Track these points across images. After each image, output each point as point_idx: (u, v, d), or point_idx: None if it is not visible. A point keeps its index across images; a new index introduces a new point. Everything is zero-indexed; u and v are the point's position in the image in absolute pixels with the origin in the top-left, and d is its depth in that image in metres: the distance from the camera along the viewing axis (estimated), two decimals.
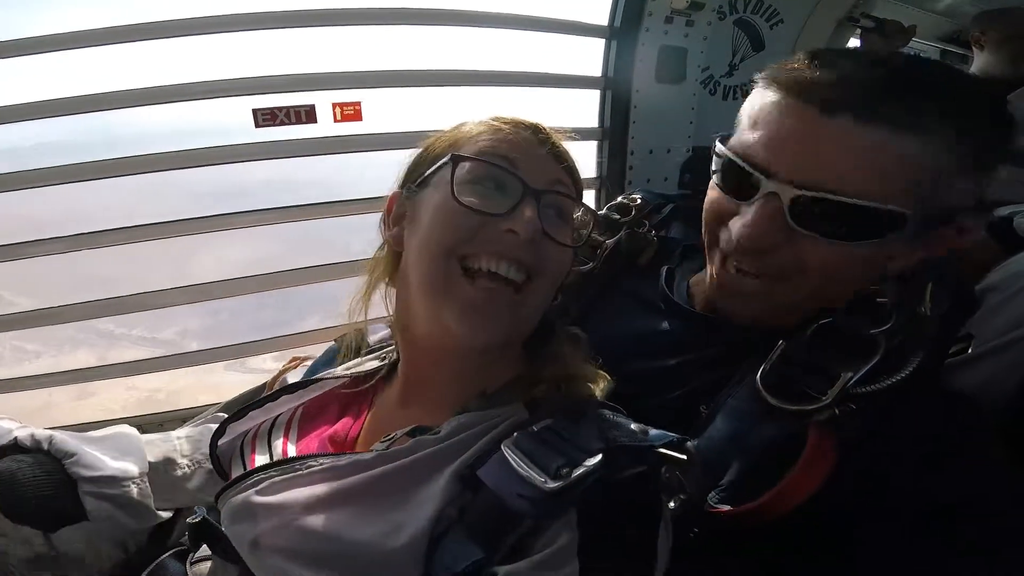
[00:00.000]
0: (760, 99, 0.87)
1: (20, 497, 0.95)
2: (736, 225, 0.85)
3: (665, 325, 1.04)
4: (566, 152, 0.89)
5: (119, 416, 1.94)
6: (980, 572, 0.71)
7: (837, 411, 0.75)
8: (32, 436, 1.01)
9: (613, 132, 2.26)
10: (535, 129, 0.87)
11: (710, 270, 0.97)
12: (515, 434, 0.72)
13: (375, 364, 0.98)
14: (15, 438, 1.00)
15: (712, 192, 0.93)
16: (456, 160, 0.82)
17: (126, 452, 1.07)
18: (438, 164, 0.86)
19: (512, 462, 0.68)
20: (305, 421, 0.94)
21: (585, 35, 2.18)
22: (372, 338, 1.05)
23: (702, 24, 2.22)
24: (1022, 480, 0.78)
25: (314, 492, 0.73)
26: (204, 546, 0.88)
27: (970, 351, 1.19)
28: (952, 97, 0.80)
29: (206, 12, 1.70)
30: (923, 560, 0.72)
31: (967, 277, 1.78)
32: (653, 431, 0.72)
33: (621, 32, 2.16)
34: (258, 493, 0.76)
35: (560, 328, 0.92)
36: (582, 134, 2.09)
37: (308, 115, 1.66)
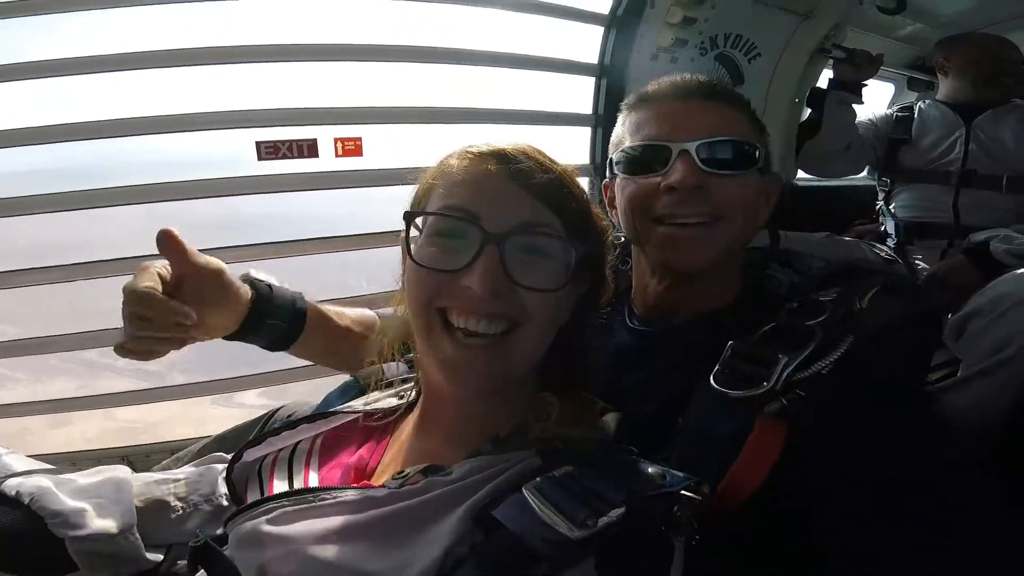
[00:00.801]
0: (634, 116, 1.12)
1: (9, 552, 0.95)
2: (668, 182, 1.02)
3: (628, 342, 1.13)
4: (548, 183, 0.81)
5: (96, 447, 1.93)
6: (936, 549, 0.73)
7: (784, 400, 0.77)
8: (17, 491, 0.99)
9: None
10: (505, 159, 0.81)
11: (654, 246, 1.08)
12: (537, 479, 0.70)
13: (393, 402, 0.97)
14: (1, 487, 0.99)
15: (629, 186, 1.09)
16: (408, 219, 0.82)
17: (116, 500, 1.04)
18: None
19: (535, 507, 0.67)
20: (327, 449, 0.93)
21: (576, 73, 2.27)
22: (388, 375, 1.03)
23: (685, 60, 2.32)
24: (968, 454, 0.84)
25: (325, 525, 0.73)
26: (202, 572, 0.85)
27: (959, 374, 1.24)
28: (733, 91, 1.16)
29: (212, 43, 1.72)
30: (884, 540, 0.73)
31: (939, 299, 1.86)
32: (671, 473, 0.71)
33: (610, 70, 2.25)
34: (268, 522, 0.75)
35: (573, 366, 0.91)
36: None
37: (310, 149, 1.69)
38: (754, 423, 0.77)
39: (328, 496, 0.76)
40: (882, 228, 2.64)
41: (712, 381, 0.85)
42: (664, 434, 0.87)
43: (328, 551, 0.70)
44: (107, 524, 1.01)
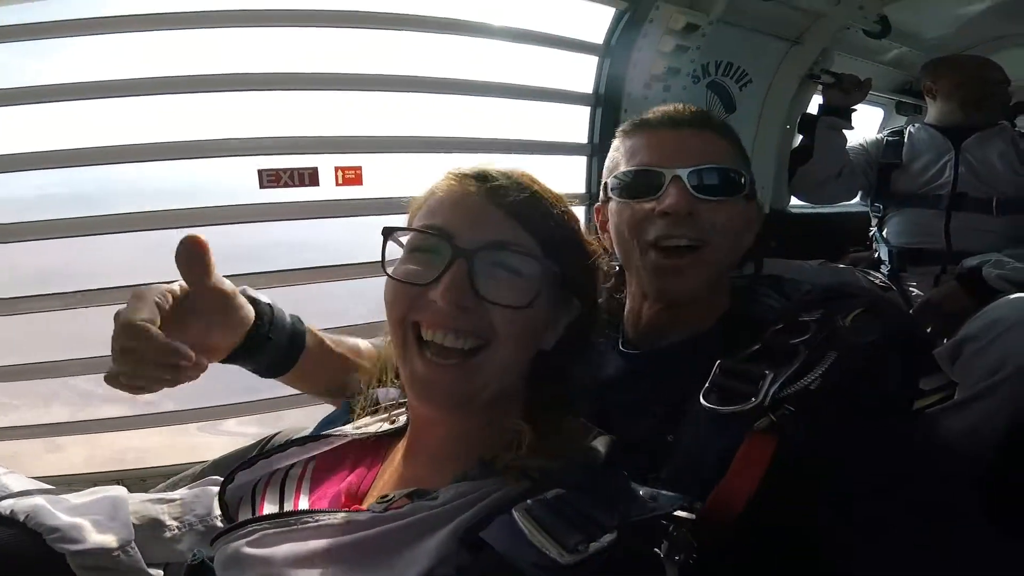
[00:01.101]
0: (629, 142, 1.17)
1: (9, 569, 0.95)
2: (661, 206, 1.07)
3: (620, 366, 1.16)
4: (524, 202, 0.82)
5: (92, 471, 1.92)
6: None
7: (773, 416, 0.79)
8: (11, 511, 1.00)
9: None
10: (485, 179, 0.83)
11: (645, 271, 1.12)
12: (528, 502, 0.69)
13: (385, 427, 0.97)
14: None
15: (624, 210, 1.13)
16: (386, 234, 0.84)
17: (112, 517, 1.05)
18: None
19: (525, 530, 0.66)
20: (319, 473, 0.93)
21: (571, 102, 2.31)
22: (382, 399, 1.03)
23: (678, 89, 2.36)
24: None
25: (305, 548, 0.73)
26: None
27: (955, 397, 1.26)
28: (721, 120, 1.21)
29: (213, 70, 1.75)
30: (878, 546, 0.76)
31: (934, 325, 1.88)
32: (662, 495, 0.72)
33: (605, 100, 2.30)
34: (248, 544, 0.76)
35: (559, 389, 0.90)
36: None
37: (311, 178, 1.71)
38: (742, 439, 0.79)
39: (310, 519, 0.76)
40: (875, 255, 2.65)
41: (702, 399, 0.88)
42: (654, 453, 0.89)
43: (305, 571, 0.71)
44: (106, 539, 1.02)
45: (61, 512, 1.02)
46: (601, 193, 1.21)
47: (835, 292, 1.04)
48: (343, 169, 1.74)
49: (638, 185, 1.12)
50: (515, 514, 0.67)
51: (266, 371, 1.07)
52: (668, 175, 1.08)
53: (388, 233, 0.84)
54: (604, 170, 1.23)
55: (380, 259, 0.83)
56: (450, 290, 0.76)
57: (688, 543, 0.68)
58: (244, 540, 0.76)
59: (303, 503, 0.88)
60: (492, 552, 0.65)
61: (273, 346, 1.02)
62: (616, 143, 1.21)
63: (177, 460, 1.82)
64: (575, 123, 2.35)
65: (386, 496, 0.77)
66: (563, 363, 0.90)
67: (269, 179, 1.70)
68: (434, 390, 0.81)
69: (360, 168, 1.75)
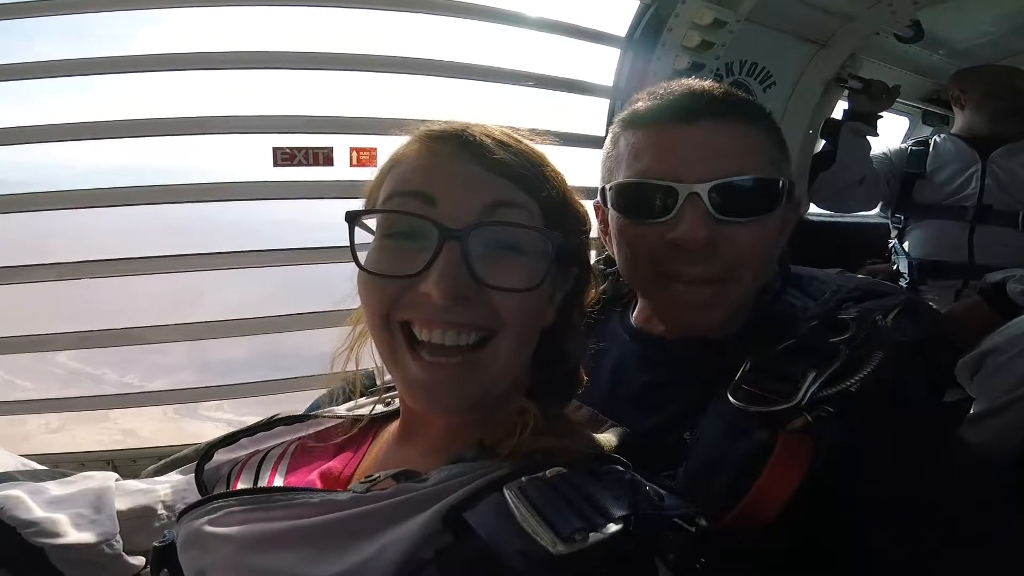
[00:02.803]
0: (626, 140, 0.96)
1: None
2: (673, 236, 0.89)
3: (631, 348, 1.07)
4: (516, 161, 0.72)
5: (82, 450, 1.91)
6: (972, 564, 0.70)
7: (809, 417, 0.74)
8: None
9: None
10: (461, 140, 0.71)
11: (659, 302, 1.00)
12: (523, 479, 0.61)
13: (380, 408, 0.91)
14: None
15: (631, 230, 0.95)
16: (351, 219, 0.72)
17: (97, 509, 1.03)
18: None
19: (515, 511, 0.57)
20: (301, 454, 0.87)
21: (590, 94, 2.28)
22: (386, 378, 0.96)
23: None
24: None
25: (271, 528, 0.66)
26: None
27: (972, 411, 1.24)
28: (750, 102, 0.98)
29: (232, 47, 1.75)
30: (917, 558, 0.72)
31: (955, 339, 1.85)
32: (668, 497, 0.63)
33: (625, 93, 2.26)
34: (210, 523, 0.69)
35: (563, 378, 0.83)
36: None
37: (326, 158, 1.69)
38: (775, 440, 0.74)
39: (283, 498, 0.68)
40: (894, 267, 2.60)
41: (730, 396, 0.81)
42: (666, 449, 0.84)
43: (269, 556, 0.64)
44: (85, 534, 1.00)
45: (41, 504, 1.00)
46: (599, 196, 1.04)
47: (866, 290, 0.98)
48: (358, 150, 1.72)
49: (645, 201, 0.92)
50: (507, 492, 0.59)
51: None
52: (683, 193, 0.88)
53: (353, 218, 0.72)
54: (602, 165, 1.04)
55: (351, 250, 0.72)
56: (445, 280, 0.66)
57: (679, 550, 0.61)
58: (206, 518, 0.69)
59: (277, 483, 0.82)
60: (476, 536, 0.58)
61: None
62: (615, 132, 1.01)
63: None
64: (593, 115, 2.31)
65: (371, 476, 0.69)
66: (562, 341, 0.81)
67: (283, 157, 1.69)
68: (436, 395, 0.72)
69: (375, 150, 1.73)
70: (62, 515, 1.00)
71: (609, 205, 0.99)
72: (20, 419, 1.96)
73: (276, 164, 1.69)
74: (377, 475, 0.69)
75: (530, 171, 0.73)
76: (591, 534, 0.54)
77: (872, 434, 0.75)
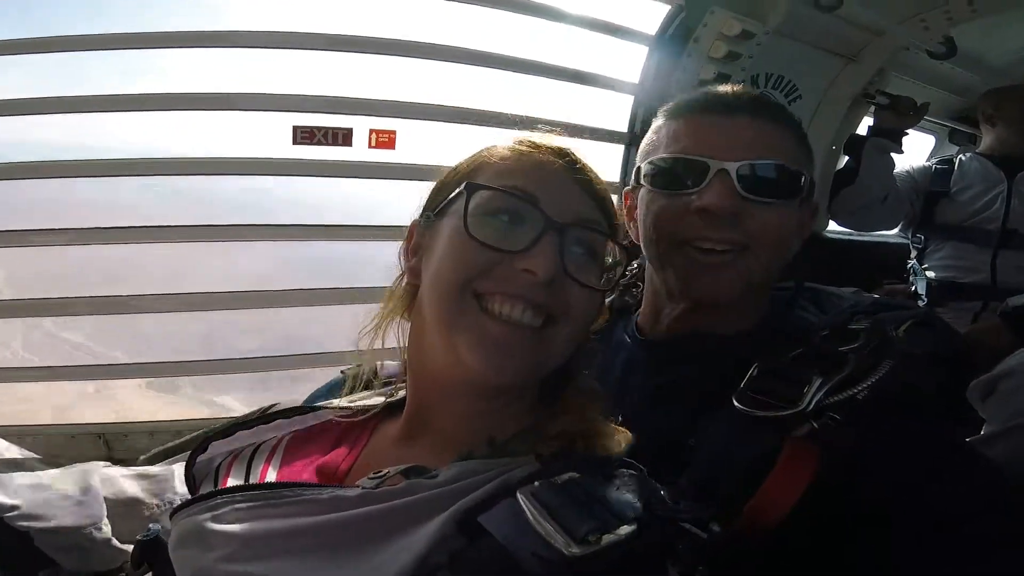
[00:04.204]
0: (671, 125, 1.04)
1: None
2: (700, 203, 0.95)
3: (637, 360, 1.08)
4: (600, 184, 0.80)
5: (72, 422, 1.88)
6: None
7: (816, 424, 0.75)
8: None
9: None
10: (564, 155, 0.79)
11: (676, 268, 1.02)
12: (535, 483, 0.62)
13: (381, 400, 0.91)
14: None
15: (659, 200, 1.01)
16: (471, 189, 0.75)
17: (85, 491, 1.02)
18: (456, 191, 0.78)
19: (529, 514, 0.58)
20: (294, 447, 0.86)
21: (614, 89, 2.27)
22: (382, 372, 0.97)
23: None
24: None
25: (283, 525, 0.65)
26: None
27: (982, 432, 1.21)
28: (782, 107, 1.06)
29: (258, 27, 1.76)
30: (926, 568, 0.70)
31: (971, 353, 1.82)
32: (682, 500, 0.65)
33: (650, 92, 2.25)
34: (214, 519, 0.67)
35: (580, 378, 0.83)
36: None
37: (345, 138, 1.70)
38: (780, 445, 0.75)
39: (289, 494, 0.68)
40: (912, 288, 2.56)
41: (736, 401, 0.82)
42: (673, 455, 0.83)
43: (281, 557, 0.63)
44: (71, 517, 0.99)
45: (23, 487, 0.98)
46: (632, 178, 1.09)
47: (880, 304, 0.99)
48: (377, 132, 1.72)
49: (677, 175, 0.99)
50: (520, 496, 0.60)
51: None
52: (714, 167, 0.95)
53: (472, 189, 0.76)
54: (639, 153, 1.10)
55: (463, 216, 0.74)
56: (548, 262, 0.71)
57: (692, 562, 0.60)
58: (209, 514, 0.68)
59: (271, 476, 0.81)
60: (490, 539, 0.58)
61: None
62: (657, 124, 1.08)
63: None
64: (616, 112, 2.30)
65: (379, 472, 0.69)
66: (575, 354, 0.84)
67: (303, 136, 1.70)
68: (504, 351, 0.72)
69: (394, 132, 1.73)
70: (46, 498, 0.98)
71: (642, 180, 1.05)
72: (27, 400, 1.96)
73: (295, 142, 1.70)
74: (387, 471, 0.69)
75: (607, 198, 0.81)
76: (605, 536, 0.55)
77: (880, 441, 0.75)
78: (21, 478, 1.00)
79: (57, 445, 1.67)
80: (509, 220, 0.74)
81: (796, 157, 0.99)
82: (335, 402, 0.91)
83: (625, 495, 0.61)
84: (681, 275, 1.01)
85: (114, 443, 1.78)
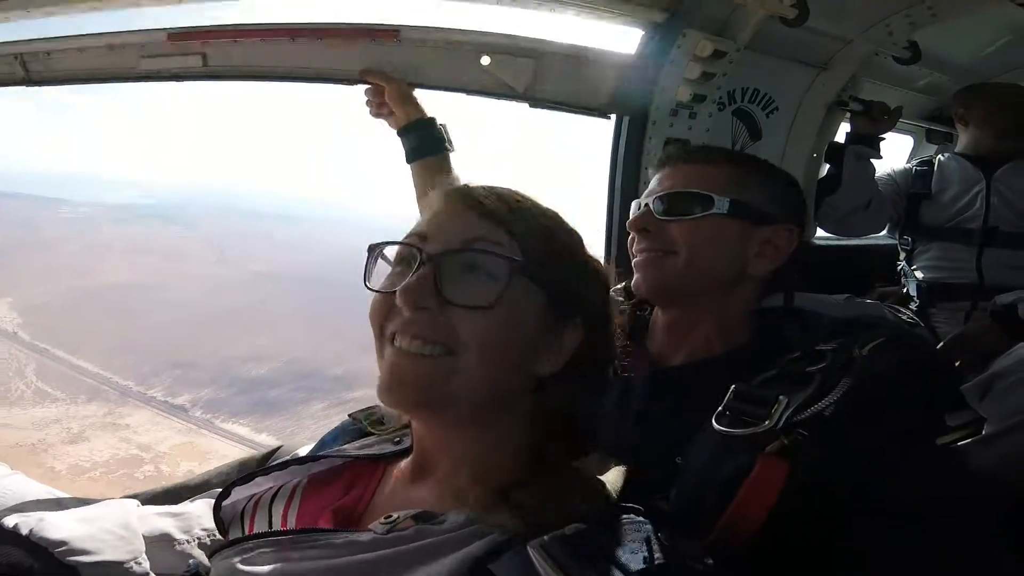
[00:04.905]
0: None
1: None
2: (629, 221, 1.29)
3: (642, 385, 1.21)
4: (502, 207, 0.82)
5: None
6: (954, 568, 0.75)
7: (786, 440, 0.80)
8: (16, 524, 0.99)
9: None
10: (464, 191, 0.85)
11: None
12: (545, 537, 0.64)
13: (389, 448, 0.95)
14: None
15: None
16: (370, 250, 0.86)
17: (124, 527, 1.06)
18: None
19: (539, 569, 0.61)
20: (311, 491, 0.92)
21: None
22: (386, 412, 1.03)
23: (704, 116, 2.33)
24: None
25: (303, 568, 0.71)
26: None
27: (983, 432, 1.24)
28: (712, 150, 1.45)
29: None
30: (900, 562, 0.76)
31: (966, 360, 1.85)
32: (681, 540, 0.68)
33: (629, 130, 2.31)
34: (243, 562, 0.74)
35: (565, 424, 0.84)
36: None
37: None
38: (754, 462, 0.80)
39: (307, 539, 0.74)
40: (904, 290, 2.59)
41: (714, 422, 0.89)
42: (662, 474, 0.92)
43: None
44: (116, 551, 1.02)
45: (68, 524, 1.02)
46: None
47: (855, 323, 1.08)
48: None
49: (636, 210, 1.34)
50: (531, 551, 0.63)
51: (410, 153, 1.92)
52: (643, 203, 1.30)
53: (372, 250, 0.86)
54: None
55: (363, 274, 0.85)
56: (407, 290, 0.76)
57: None
58: (239, 557, 0.75)
59: (291, 520, 0.87)
60: None
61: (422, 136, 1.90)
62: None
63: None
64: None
65: (390, 517, 0.74)
66: (571, 391, 0.85)
67: None
68: (398, 383, 0.78)
69: None
70: (91, 533, 1.02)
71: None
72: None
73: None
74: (396, 516, 0.73)
75: (518, 215, 0.83)
76: None
77: (845, 453, 0.81)
78: (65, 514, 1.03)
79: None
80: (402, 265, 0.82)
81: (718, 185, 1.24)
82: (345, 449, 0.97)
83: (629, 547, 0.64)
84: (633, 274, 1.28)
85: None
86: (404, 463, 0.90)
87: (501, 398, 0.81)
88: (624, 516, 0.71)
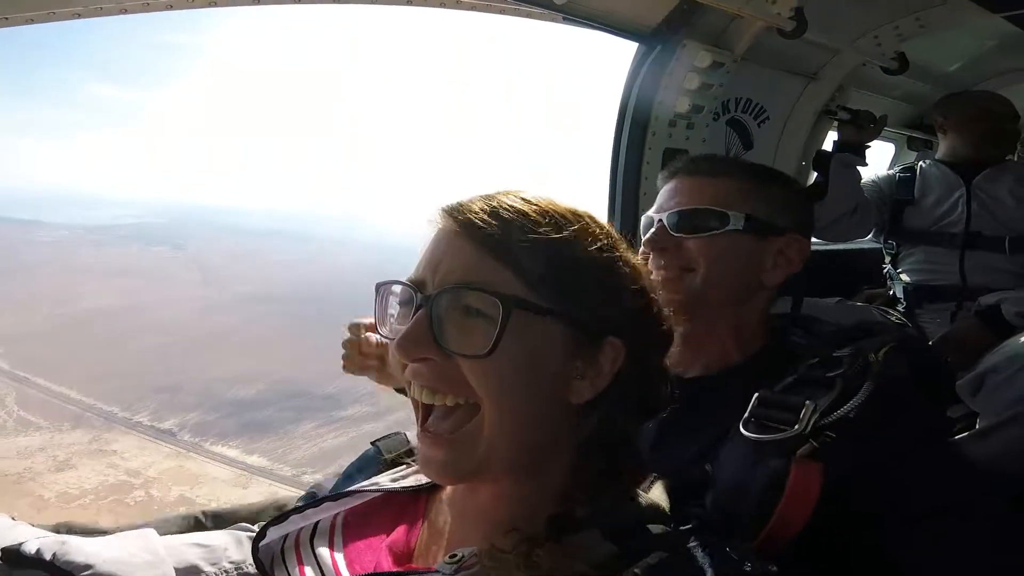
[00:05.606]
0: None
1: None
2: (643, 241, 1.30)
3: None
4: (499, 232, 0.72)
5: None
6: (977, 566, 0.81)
7: (815, 443, 0.84)
8: (38, 549, 0.95)
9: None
10: (459, 214, 0.75)
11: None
12: (636, 570, 0.64)
13: (423, 480, 0.93)
14: (19, 547, 0.95)
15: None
16: (378, 289, 0.81)
17: (152, 554, 1.02)
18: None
19: None
20: (351, 528, 0.90)
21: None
22: (413, 439, 1.02)
23: (701, 126, 2.41)
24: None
25: None
26: None
27: (977, 426, 1.31)
28: (720, 163, 1.42)
29: None
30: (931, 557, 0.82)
31: (954, 358, 1.94)
32: (745, 553, 0.68)
33: (630, 141, 2.36)
34: None
35: (607, 450, 0.80)
36: None
37: None
38: (789, 466, 0.83)
39: None
40: (891, 292, 2.67)
41: (742, 429, 0.92)
42: (694, 482, 0.92)
43: None
44: (146, 573, 0.97)
45: (92, 548, 0.98)
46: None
47: (862, 330, 1.13)
48: None
49: (646, 227, 1.35)
50: None
51: None
52: (655, 219, 1.31)
53: (379, 289, 0.81)
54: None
55: (374, 316, 0.83)
56: (403, 341, 0.71)
57: None
58: None
59: (339, 560, 0.85)
60: None
61: None
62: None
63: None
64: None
65: (455, 555, 0.72)
66: (618, 413, 0.80)
67: None
68: (430, 468, 0.77)
69: None
70: (117, 558, 0.98)
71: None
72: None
73: None
74: (461, 554, 0.71)
75: (520, 240, 0.73)
76: None
77: (874, 453, 0.86)
78: (91, 540, 0.99)
79: None
80: (405, 308, 0.78)
81: (730, 200, 1.26)
82: (379, 481, 0.95)
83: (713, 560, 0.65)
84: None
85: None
86: (445, 495, 0.88)
87: (535, 442, 0.76)
88: (693, 541, 0.69)
